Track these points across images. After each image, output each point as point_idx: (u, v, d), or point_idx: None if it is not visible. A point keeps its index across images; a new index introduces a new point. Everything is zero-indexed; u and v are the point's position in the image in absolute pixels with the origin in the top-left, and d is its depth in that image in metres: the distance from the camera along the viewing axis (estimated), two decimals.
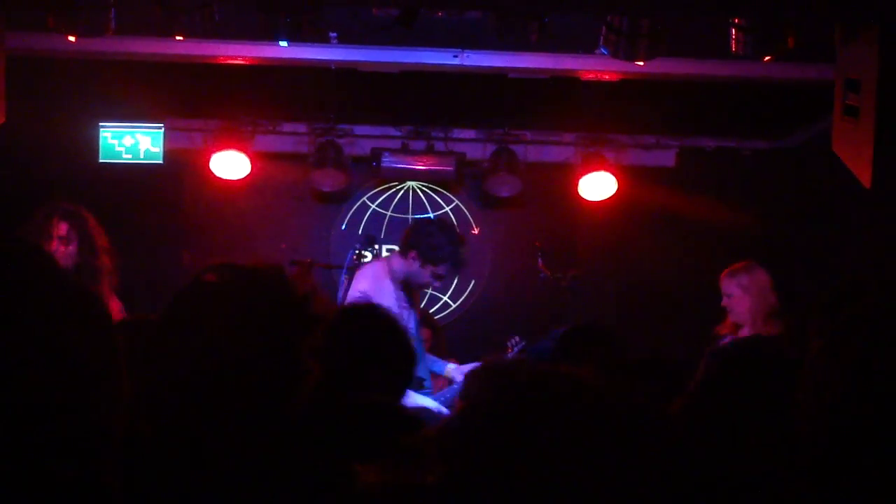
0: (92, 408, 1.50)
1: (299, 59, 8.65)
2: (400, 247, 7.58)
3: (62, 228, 7.02)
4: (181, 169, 10.47)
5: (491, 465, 1.30)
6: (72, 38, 7.30)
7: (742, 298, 7.52)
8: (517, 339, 8.37)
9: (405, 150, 10.52)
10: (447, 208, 10.97)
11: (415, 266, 7.42)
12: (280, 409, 2.48)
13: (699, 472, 1.45)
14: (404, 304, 7.45)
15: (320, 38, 8.24)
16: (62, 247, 6.96)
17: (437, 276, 7.51)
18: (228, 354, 2.48)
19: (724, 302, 7.63)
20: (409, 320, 7.44)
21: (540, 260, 9.10)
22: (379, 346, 3.97)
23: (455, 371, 7.66)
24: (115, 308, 7.11)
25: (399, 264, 7.48)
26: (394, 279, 7.45)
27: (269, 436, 2.46)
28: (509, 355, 8.15)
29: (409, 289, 7.58)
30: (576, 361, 3.57)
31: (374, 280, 7.40)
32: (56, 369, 1.46)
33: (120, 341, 1.61)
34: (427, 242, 7.40)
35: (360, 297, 7.20)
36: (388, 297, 7.30)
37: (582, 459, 1.30)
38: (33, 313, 1.48)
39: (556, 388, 1.36)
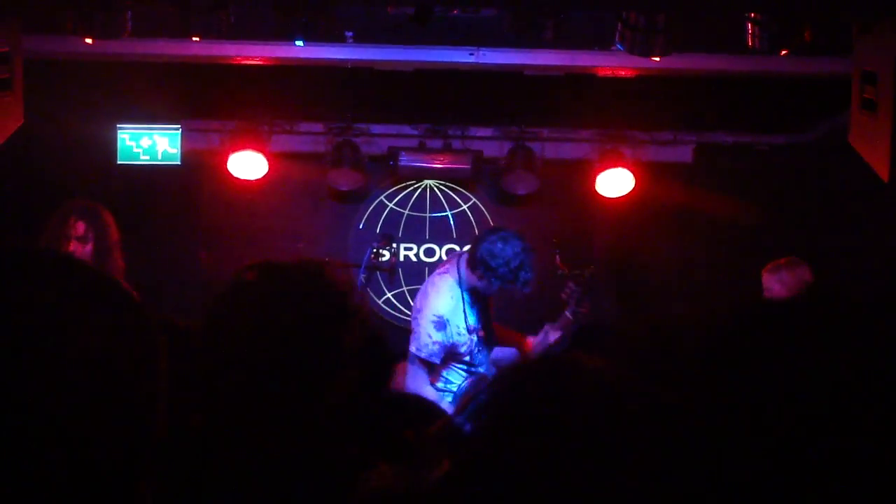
0: (130, 412, 1.50)
1: (315, 58, 8.66)
2: (468, 259, 7.51)
3: (80, 228, 7.04)
4: (199, 170, 10.48)
5: (498, 463, 1.29)
6: (89, 41, 7.33)
7: (781, 294, 7.50)
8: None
9: (422, 149, 10.52)
10: (464, 206, 10.97)
11: (482, 283, 7.40)
12: (320, 403, 2.49)
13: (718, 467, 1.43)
14: (475, 307, 7.46)
15: (336, 38, 8.25)
16: (79, 246, 7.00)
17: (510, 290, 7.48)
18: (272, 352, 2.49)
19: (765, 296, 7.62)
20: (477, 321, 7.46)
21: (557, 257, 9.09)
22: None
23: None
24: None
25: (468, 276, 7.45)
26: (465, 288, 7.45)
27: (309, 431, 2.47)
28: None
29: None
30: None
31: (450, 299, 7.40)
32: (97, 375, 1.46)
33: (162, 343, 1.61)
34: (491, 263, 7.38)
35: (437, 321, 7.24)
36: (460, 317, 7.34)
37: (597, 455, 1.28)
38: (75, 320, 1.49)
39: (571, 381, 1.34)
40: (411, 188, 10.95)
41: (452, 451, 1.31)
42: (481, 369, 7.53)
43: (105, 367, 1.47)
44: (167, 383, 1.61)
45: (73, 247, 6.96)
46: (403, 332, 8.38)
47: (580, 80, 9.09)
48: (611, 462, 1.28)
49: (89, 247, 7.05)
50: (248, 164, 10.14)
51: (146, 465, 1.58)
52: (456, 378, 7.53)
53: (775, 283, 7.63)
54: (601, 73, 8.87)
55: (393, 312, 10.61)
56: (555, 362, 1.38)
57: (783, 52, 7.38)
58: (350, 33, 8.42)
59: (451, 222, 10.91)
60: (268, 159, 10.16)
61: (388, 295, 10.62)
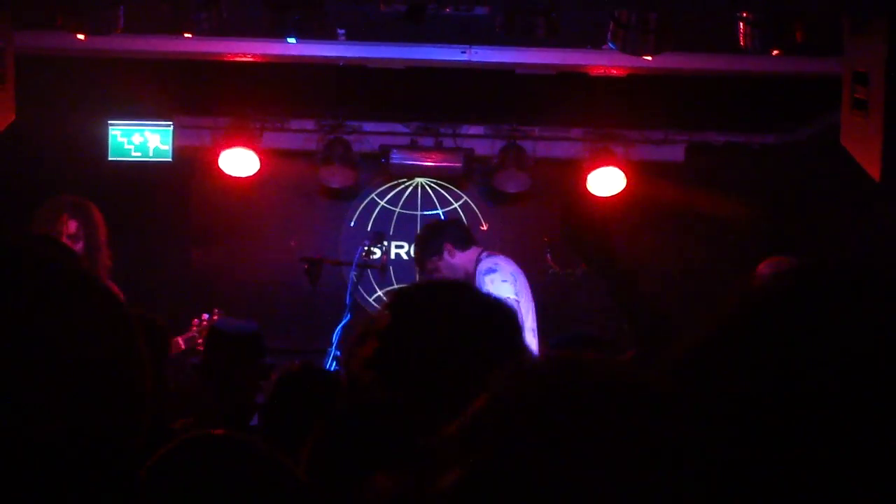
0: (114, 408, 1.50)
1: (307, 55, 8.66)
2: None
3: (72, 226, 7.09)
4: (190, 166, 10.48)
5: (514, 466, 1.26)
6: (80, 37, 7.32)
7: None
8: None
9: (413, 147, 10.53)
10: (456, 204, 10.97)
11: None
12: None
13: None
14: None
15: (328, 35, 8.25)
16: (70, 244, 7.04)
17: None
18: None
19: None
20: None
21: (549, 255, 9.12)
22: None
23: None
24: None
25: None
26: None
27: None
28: None
29: None
30: None
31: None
32: (77, 368, 1.46)
33: (142, 341, 1.61)
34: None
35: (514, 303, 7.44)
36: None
37: (616, 456, 1.25)
38: (58, 312, 1.49)
39: (587, 379, 1.32)
40: (403, 186, 10.95)
41: (464, 458, 1.29)
42: None
43: (85, 363, 1.47)
44: (151, 380, 1.61)
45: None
46: None
47: (572, 79, 9.09)
48: (631, 462, 1.25)
49: (80, 245, 7.10)
50: (239, 161, 10.14)
51: (134, 459, 1.58)
52: None
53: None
54: (593, 71, 8.88)
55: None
56: (558, 363, 1.35)
57: (775, 52, 7.39)
58: (342, 31, 8.42)
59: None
60: (259, 156, 10.15)
61: (379, 293, 10.61)
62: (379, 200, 10.95)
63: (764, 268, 7.86)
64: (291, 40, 7.85)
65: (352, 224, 10.87)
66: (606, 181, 10.33)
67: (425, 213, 10.87)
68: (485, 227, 10.94)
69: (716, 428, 1.32)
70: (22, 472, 1.40)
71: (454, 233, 8.09)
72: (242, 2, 7.58)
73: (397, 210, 10.92)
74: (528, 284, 7.91)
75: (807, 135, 10.37)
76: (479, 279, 7.67)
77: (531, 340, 7.49)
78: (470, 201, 11.00)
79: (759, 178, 10.73)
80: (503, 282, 7.56)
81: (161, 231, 10.48)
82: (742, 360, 1.43)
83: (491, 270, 7.65)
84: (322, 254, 8.98)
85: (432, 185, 10.96)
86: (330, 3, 7.47)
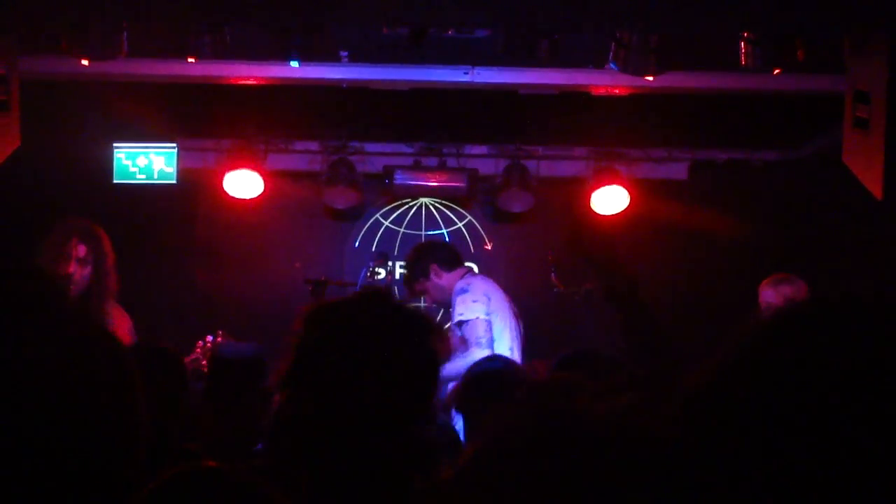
0: (109, 434, 1.52)
1: (311, 78, 8.68)
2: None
3: (81, 250, 7.12)
4: (195, 188, 10.50)
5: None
6: (85, 62, 7.36)
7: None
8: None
9: (417, 167, 10.54)
10: (460, 224, 11.00)
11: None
12: None
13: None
14: None
15: (331, 57, 8.28)
16: (79, 268, 7.09)
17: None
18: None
19: (763, 310, 7.59)
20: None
21: (553, 275, 9.12)
22: None
23: None
24: (125, 325, 7.27)
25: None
26: None
27: None
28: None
29: None
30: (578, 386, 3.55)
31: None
32: (70, 404, 1.48)
33: (137, 374, 1.63)
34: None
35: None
36: None
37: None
38: (45, 345, 1.50)
39: (585, 430, 1.29)
40: (407, 206, 10.97)
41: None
42: None
43: (78, 395, 1.49)
44: (144, 407, 1.63)
45: (74, 268, 7.04)
46: None
47: (575, 99, 9.11)
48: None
49: (88, 269, 7.13)
50: (243, 183, 10.15)
51: (131, 481, 1.60)
52: None
53: (776, 298, 7.62)
54: (595, 91, 8.90)
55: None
56: (556, 412, 1.33)
57: (776, 71, 7.41)
58: (345, 53, 8.44)
59: (447, 240, 10.92)
60: (263, 178, 10.17)
61: None
62: (383, 221, 10.96)
63: (767, 284, 7.88)
64: (294, 64, 7.87)
65: (356, 245, 10.89)
66: (610, 200, 10.34)
67: (430, 232, 10.89)
68: (489, 247, 10.96)
69: (719, 482, 1.29)
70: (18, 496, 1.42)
71: (441, 254, 8.18)
72: (246, 26, 7.61)
73: (401, 230, 10.93)
74: (508, 304, 7.98)
75: (810, 151, 10.37)
76: (452, 299, 7.77)
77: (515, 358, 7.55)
78: (474, 221, 11.01)
79: (762, 195, 10.74)
80: (474, 301, 7.65)
81: (166, 252, 10.49)
82: (748, 405, 1.40)
83: (463, 290, 7.75)
84: (326, 275, 8.98)
85: (436, 204, 10.98)
86: (332, 26, 7.50)
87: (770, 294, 7.75)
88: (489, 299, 7.73)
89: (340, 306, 2.94)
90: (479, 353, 7.34)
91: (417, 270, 8.05)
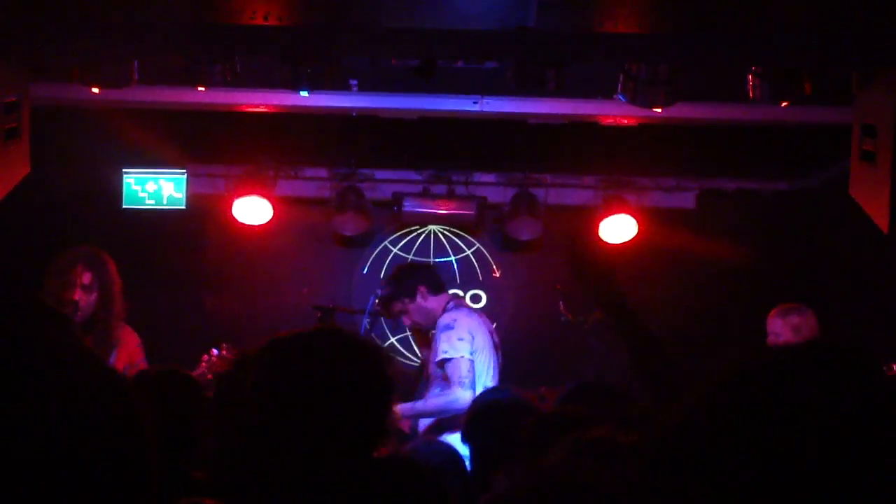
0: (116, 473, 1.54)
1: (320, 106, 8.73)
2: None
3: (86, 277, 7.18)
4: (204, 214, 10.52)
5: None
6: (95, 90, 7.40)
7: (791, 340, 7.39)
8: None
9: (426, 195, 10.56)
10: (468, 251, 11.01)
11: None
12: None
13: None
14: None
15: (341, 86, 8.31)
16: (84, 295, 7.15)
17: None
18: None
19: (771, 340, 7.56)
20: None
21: (562, 303, 9.13)
22: None
23: None
24: (133, 342, 7.35)
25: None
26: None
27: None
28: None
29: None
30: (582, 421, 3.56)
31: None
32: (73, 441, 1.50)
33: (142, 417, 1.64)
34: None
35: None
36: None
37: None
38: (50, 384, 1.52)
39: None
40: (415, 233, 10.98)
41: None
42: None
43: (81, 437, 1.51)
44: (153, 441, 1.64)
45: (79, 295, 7.10)
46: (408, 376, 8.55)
47: (583, 128, 9.14)
48: None
49: (94, 296, 7.19)
50: (252, 209, 10.18)
51: None
52: None
53: (785, 328, 7.59)
54: (604, 121, 8.93)
55: (398, 358, 10.62)
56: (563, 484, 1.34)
57: (784, 104, 7.44)
58: (354, 82, 8.48)
59: (455, 268, 10.94)
60: (273, 204, 10.19)
61: (392, 340, 10.64)
62: (392, 248, 10.98)
63: (776, 314, 7.87)
64: (304, 93, 7.91)
65: (364, 272, 10.90)
66: (618, 228, 10.35)
67: (438, 260, 10.89)
68: (497, 275, 10.97)
69: None
70: None
71: (429, 277, 8.20)
72: (255, 55, 7.65)
73: (410, 257, 10.94)
74: (490, 338, 7.96)
75: (819, 181, 10.38)
76: (437, 333, 7.78)
77: None
78: (482, 248, 11.02)
79: (770, 224, 10.75)
80: (459, 340, 7.64)
81: (175, 278, 10.51)
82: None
83: (448, 328, 7.72)
84: (335, 301, 9.01)
85: (445, 232, 10.99)
86: (343, 57, 7.53)
87: (778, 324, 7.73)
88: (473, 338, 7.72)
89: (294, 338, 3.00)
90: (460, 393, 7.41)
91: (403, 290, 8.05)
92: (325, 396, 2.83)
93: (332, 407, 2.82)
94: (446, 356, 7.60)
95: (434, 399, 7.70)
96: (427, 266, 9.57)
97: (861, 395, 1.38)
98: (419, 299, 7.99)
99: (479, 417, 5.25)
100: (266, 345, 2.97)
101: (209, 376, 7.42)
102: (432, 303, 8.01)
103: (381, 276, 10.58)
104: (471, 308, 8.46)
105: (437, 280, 8.21)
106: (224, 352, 7.95)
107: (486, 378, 7.74)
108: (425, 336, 8.15)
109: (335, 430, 2.82)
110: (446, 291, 8.27)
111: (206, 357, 7.85)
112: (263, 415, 2.80)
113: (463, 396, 7.32)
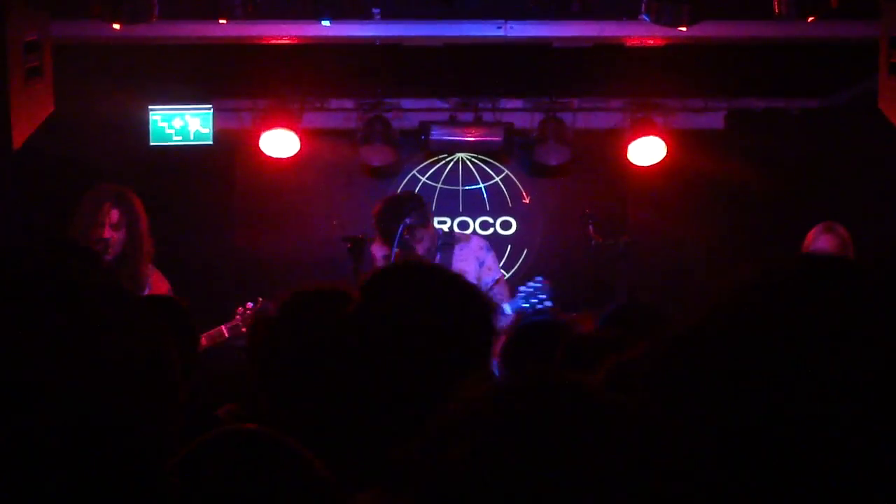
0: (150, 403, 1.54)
1: (344, 36, 8.68)
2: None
3: (114, 216, 7.20)
4: (231, 149, 10.54)
5: (483, 483, 1.22)
6: (116, 26, 7.38)
7: (845, 252, 7.45)
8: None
9: (453, 122, 10.53)
10: (497, 178, 10.98)
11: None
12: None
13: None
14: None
15: (363, 15, 8.25)
16: (113, 233, 7.19)
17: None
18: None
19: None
20: None
21: (591, 227, 9.10)
22: None
23: None
24: (163, 288, 7.39)
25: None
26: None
27: None
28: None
29: None
30: (621, 341, 3.52)
31: None
32: (105, 379, 1.50)
33: (172, 349, 1.64)
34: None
35: None
36: None
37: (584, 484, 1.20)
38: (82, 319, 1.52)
39: (563, 401, 1.28)
40: (443, 162, 10.96)
41: (433, 472, 1.27)
42: None
43: (114, 361, 1.51)
44: (182, 375, 1.65)
45: (108, 233, 7.13)
46: None
47: (609, 51, 9.07)
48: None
49: (122, 233, 7.21)
50: (280, 143, 10.17)
51: (171, 448, 1.63)
52: None
53: (836, 241, 7.60)
54: (629, 42, 8.86)
55: None
56: (535, 383, 1.32)
57: (810, 19, 7.34)
58: (377, 10, 8.42)
59: (484, 195, 10.93)
60: (300, 137, 10.18)
61: None
62: (420, 177, 10.96)
63: (816, 232, 7.83)
64: (326, 23, 7.86)
65: None
66: (647, 151, 10.31)
67: (467, 188, 10.88)
68: (527, 200, 10.95)
69: (694, 452, 1.28)
70: (56, 460, 1.44)
71: (426, 204, 8.46)
72: None
73: (439, 186, 10.93)
74: None
75: (848, 98, 10.28)
76: (485, 253, 8.15)
77: None
78: (511, 175, 11.00)
79: (800, 143, 10.67)
80: (495, 259, 7.96)
81: (204, 214, 10.54)
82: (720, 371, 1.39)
83: (490, 248, 8.21)
84: (364, 232, 9.00)
85: (473, 159, 10.96)
86: None
87: (826, 240, 7.72)
88: None
89: (389, 274, 2.92)
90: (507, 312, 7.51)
91: (418, 218, 8.10)
92: (432, 344, 2.63)
93: (438, 355, 2.63)
94: (500, 276, 7.82)
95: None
96: (416, 193, 9.58)
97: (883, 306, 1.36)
98: (430, 225, 8.14)
99: (520, 340, 5.23)
100: (363, 285, 2.80)
101: (243, 329, 7.44)
102: (432, 229, 8.19)
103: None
104: None
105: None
106: (259, 305, 7.96)
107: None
108: None
109: (438, 380, 2.55)
110: None
111: (240, 310, 7.87)
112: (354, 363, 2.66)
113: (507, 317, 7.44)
